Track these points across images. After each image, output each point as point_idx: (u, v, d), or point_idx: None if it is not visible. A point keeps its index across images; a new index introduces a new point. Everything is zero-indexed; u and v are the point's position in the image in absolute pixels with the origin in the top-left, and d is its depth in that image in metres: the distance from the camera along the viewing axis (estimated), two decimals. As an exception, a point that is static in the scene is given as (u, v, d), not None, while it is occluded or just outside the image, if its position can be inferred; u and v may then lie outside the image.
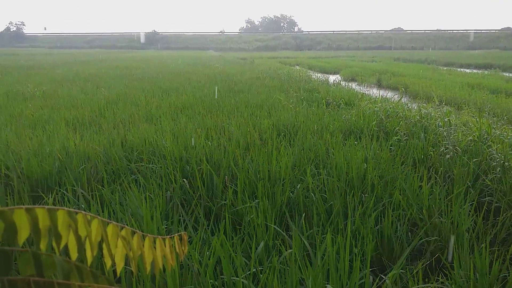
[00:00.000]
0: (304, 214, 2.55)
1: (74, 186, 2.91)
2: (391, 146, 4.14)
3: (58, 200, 2.76)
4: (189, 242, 2.26)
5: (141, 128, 4.56)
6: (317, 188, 2.96)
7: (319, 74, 15.36)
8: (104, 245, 0.49)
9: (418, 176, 3.04)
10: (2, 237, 0.43)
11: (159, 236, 0.55)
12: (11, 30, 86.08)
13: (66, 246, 0.47)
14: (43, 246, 0.45)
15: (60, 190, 2.93)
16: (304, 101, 7.12)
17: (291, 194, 2.90)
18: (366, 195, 2.85)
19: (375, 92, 9.43)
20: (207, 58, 28.13)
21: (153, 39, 77.76)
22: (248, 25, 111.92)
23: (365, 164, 3.29)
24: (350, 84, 11.34)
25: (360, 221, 2.41)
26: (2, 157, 3.42)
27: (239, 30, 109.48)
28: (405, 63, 23.30)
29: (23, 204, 2.67)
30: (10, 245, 0.43)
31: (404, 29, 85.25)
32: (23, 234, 0.44)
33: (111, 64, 19.06)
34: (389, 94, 9.04)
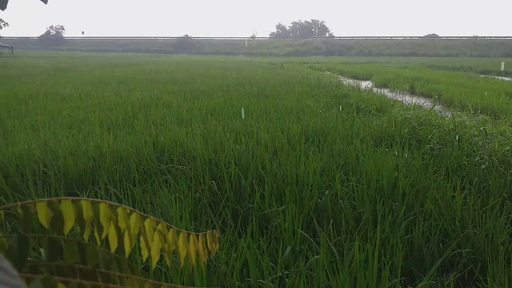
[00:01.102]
0: (332, 221, 2.52)
1: (107, 185, 3.00)
2: (423, 154, 4.04)
3: (92, 198, 2.86)
4: (216, 243, 2.29)
5: (172, 130, 4.65)
6: (346, 195, 2.93)
7: (350, 80, 15.19)
8: (141, 238, 0.52)
9: (451, 185, 2.96)
10: (50, 225, 0.45)
11: (193, 232, 0.57)
12: (51, 34, 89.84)
13: (106, 238, 0.50)
14: (86, 236, 0.48)
15: (93, 188, 3.03)
16: (334, 106, 7.07)
17: (319, 200, 2.88)
18: (396, 203, 2.79)
19: (407, 99, 9.23)
20: (237, 62, 28.36)
21: (185, 43, 79.22)
22: (279, 30, 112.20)
23: (396, 172, 3.22)
24: (381, 91, 11.16)
25: (390, 229, 2.37)
26: (41, 155, 3.57)
27: (270, 35, 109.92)
28: (439, 70, 22.69)
29: (59, 201, 2.78)
30: (57, 234, 0.45)
31: (439, 35, 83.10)
32: (69, 223, 0.47)
33: (144, 68, 19.55)
34: (422, 101, 8.82)
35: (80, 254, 0.44)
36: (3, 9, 1.20)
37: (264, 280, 1.86)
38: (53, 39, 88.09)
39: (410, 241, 2.36)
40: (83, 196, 2.78)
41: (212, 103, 7.00)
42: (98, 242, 0.49)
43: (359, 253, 1.92)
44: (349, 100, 8.00)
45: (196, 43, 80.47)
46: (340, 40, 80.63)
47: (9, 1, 1.19)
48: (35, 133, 4.57)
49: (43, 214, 0.47)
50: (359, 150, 3.91)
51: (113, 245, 0.50)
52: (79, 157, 3.51)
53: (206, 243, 0.60)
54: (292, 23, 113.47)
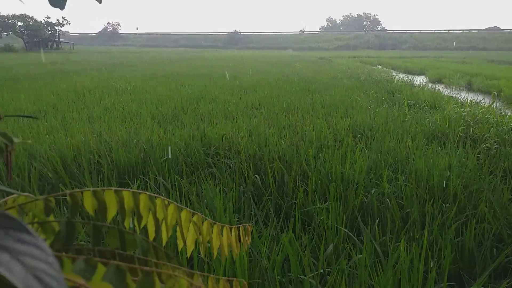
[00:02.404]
0: (377, 220, 2.46)
1: (156, 176, 3.12)
2: (478, 154, 3.83)
3: (142, 188, 2.98)
4: (258, 237, 2.31)
5: (219, 124, 4.74)
6: (394, 194, 2.84)
7: (402, 75, 14.64)
8: (178, 228, 0.54)
9: (508, 188, 2.78)
10: (95, 213, 0.49)
11: (226, 225, 0.59)
12: (108, 30, 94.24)
13: (145, 226, 0.52)
14: (126, 224, 0.51)
15: (143, 179, 3.16)
16: (384, 102, 6.86)
17: (364, 198, 2.82)
18: (447, 204, 2.67)
19: (463, 95, 8.75)
20: (286, 57, 28.26)
21: (235, 38, 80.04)
22: (329, 24, 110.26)
23: (448, 172, 3.08)
24: (436, 86, 10.66)
25: (439, 231, 2.27)
26: (96, 146, 3.78)
27: (319, 29, 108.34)
28: (500, 65, 21.24)
29: (112, 189, 2.93)
30: (101, 221, 0.49)
31: (501, 28, 77.75)
32: (111, 212, 0.50)
33: (195, 63, 20.01)
34: (479, 98, 8.33)
35: (120, 241, 0.47)
36: (62, 9, 1.28)
37: (305, 276, 1.86)
38: (109, 35, 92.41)
39: (461, 244, 2.25)
40: (133, 185, 2.91)
41: (258, 98, 7.04)
42: (138, 231, 0.52)
43: (405, 254, 1.87)
44: (401, 95, 7.72)
45: (245, 38, 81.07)
46: (393, 33, 77.78)
47: (68, 1, 1.26)
48: (91, 125, 4.84)
49: (89, 202, 0.50)
50: (410, 148, 3.77)
51: (151, 234, 0.52)
52: (131, 148, 3.67)
53: (239, 236, 0.62)
54: (343, 17, 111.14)
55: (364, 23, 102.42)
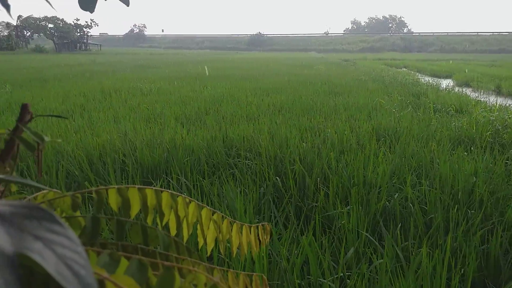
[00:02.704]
0: (400, 225, 2.43)
1: (178, 175, 3.17)
2: (507, 160, 3.71)
3: (164, 187, 3.03)
4: (278, 239, 2.32)
5: (241, 126, 4.76)
6: (417, 199, 2.79)
7: (429, 78, 14.34)
8: (198, 226, 0.55)
9: (538, 195, 2.69)
10: (119, 209, 0.51)
11: (246, 224, 0.60)
12: (134, 31, 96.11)
13: (167, 224, 0.54)
14: (149, 221, 0.53)
15: (166, 178, 3.22)
16: (409, 105, 6.74)
17: (387, 202, 2.78)
18: (472, 211, 2.61)
19: (492, 99, 8.50)
20: (309, 59, 28.13)
21: (258, 40, 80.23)
22: (354, 26, 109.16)
23: (474, 178, 3.00)
24: (463, 90, 10.40)
25: (463, 238, 2.22)
26: (121, 145, 3.87)
27: (344, 31, 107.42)
28: (534, 68, 20.50)
29: (135, 188, 3.00)
30: (124, 217, 0.50)
31: (535, 29, 75.01)
32: (135, 209, 0.52)
33: (218, 65, 20.17)
34: (509, 102, 8.07)
35: (143, 236, 0.49)
36: (91, 12, 1.32)
37: (324, 279, 1.85)
38: (136, 37, 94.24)
39: (486, 252, 2.19)
40: (156, 185, 2.97)
41: (281, 100, 7.04)
42: (160, 228, 0.53)
43: (428, 260, 1.83)
44: (426, 99, 7.57)
45: (268, 40, 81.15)
46: (419, 36, 76.28)
47: (96, 4, 1.31)
48: (117, 125, 4.95)
49: (113, 199, 0.52)
50: (435, 153, 3.70)
51: (173, 231, 0.54)
52: (155, 148, 3.74)
53: (258, 235, 0.63)
54: (368, 19, 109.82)
55: (390, 25, 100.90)
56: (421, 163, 3.48)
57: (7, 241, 0.18)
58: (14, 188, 0.53)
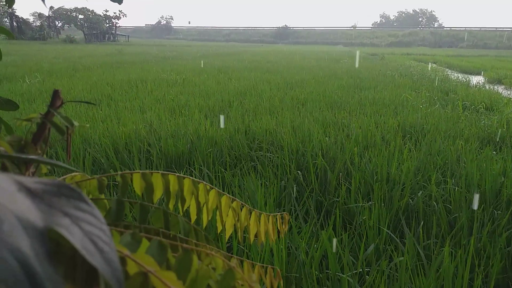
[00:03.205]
0: (422, 223, 2.39)
1: (201, 166, 3.21)
2: (539, 160, 3.58)
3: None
4: (298, 232, 2.32)
5: (263, 119, 4.77)
6: (441, 197, 2.74)
7: (459, 74, 13.93)
8: (217, 213, 0.57)
9: None
10: (142, 193, 0.53)
11: (264, 213, 0.61)
12: (162, 23, 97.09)
13: (187, 210, 0.56)
14: (171, 205, 0.54)
15: (189, 168, 3.26)
16: (437, 102, 6.58)
17: (410, 200, 2.74)
18: (499, 212, 2.54)
19: (526, 97, 8.19)
20: (335, 53, 27.78)
21: (284, 33, 79.68)
22: (382, 19, 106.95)
23: (503, 178, 2.92)
24: (495, 87, 10.05)
25: (488, 239, 2.17)
26: (146, 135, 3.94)
27: (372, 24, 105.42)
28: None
29: (159, 177, 3.07)
30: (147, 201, 0.52)
31: None
32: (157, 193, 0.53)
33: (243, 57, 20.17)
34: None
35: (164, 221, 0.50)
36: (120, 3, 1.35)
37: (343, 274, 1.85)
38: (163, 28, 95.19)
39: (511, 254, 2.13)
40: (180, 174, 3.02)
41: (305, 94, 7.00)
42: (181, 213, 0.55)
43: (450, 259, 1.80)
44: (455, 95, 7.37)
45: (294, 33, 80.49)
46: (450, 30, 73.98)
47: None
48: (142, 115, 5.04)
49: (137, 183, 0.54)
50: (461, 151, 3.61)
51: (193, 217, 0.55)
52: (179, 139, 3.79)
53: (277, 224, 0.63)
54: (397, 12, 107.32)
55: (420, 19, 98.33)
56: (447, 161, 3.40)
57: (38, 216, 0.19)
58: (44, 170, 0.56)
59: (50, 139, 0.54)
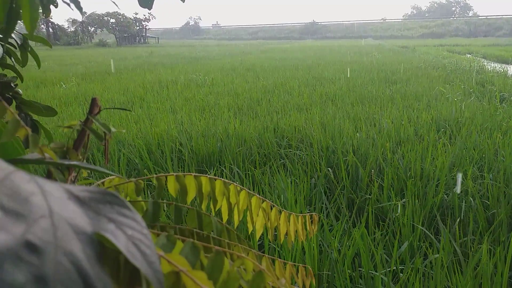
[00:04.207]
0: (458, 219, 2.33)
1: (231, 165, 3.25)
2: None
3: (218, 176, 3.12)
4: (329, 230, 2.31)
5: (292, 116, 4.76)
6: (478, 193, 2.65)
7: (496, 64, 13.37)
8: (248, 213, 0.58)
9: None
10: (177, 195, 0.55)
11: (293, 213, 0.62)
12: (190, 24, 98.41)
13: (219, 210, 0.58)
14: (203, 206, 0.56)
15: (219, 167, 3.31)
16: (472, 94, 6.35)
17: (445, 196, 2.67)
18: (541, 207, 2.43)
19: None
20: (365, 46, 27.27)
21: (312, 29, 78.99)
22: (413, 11, 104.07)
23: (545, 172, 2.79)
24: (535, 77, 9.57)
25: (529, 236, 2.08)
26: (177, 135, 4.02)
27: (403, 16, 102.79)
28: None
29: (191, 176, 3.13)
30: (181, 202, 0.54)
31: None
32: (191, 195, 0.56)
33: (271, 55, 20.16)
34: None
35: (198, 221, 0.53)
36: (150, 9, 1.39)
37: (376, 272, 1.83)
38: (191, 29, 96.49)
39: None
40: (210, 173, 3.07)
41: (334, 89, 6.92)
42: (213, 213, 0.57)
43: (488, 257, 1.75)
44: (493, 87, 7.09)
45: (322, 28, 79.59)
46: (486, 19, 70.98)
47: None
48: (174, 115, 5.15)
49: (172, 185, 0.57)
50: (499, 144, 3.48)
51: (225, 217, 0.57)
52: (209, 138, 3.85)
53: (306, 224, 0.64)
54: (429, 3, 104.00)
55: (453, 8, 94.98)
56: (483, 155, 3.29)
57: (87, 222, 0.21)
58: (84, 173, 0.59)
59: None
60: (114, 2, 0.73)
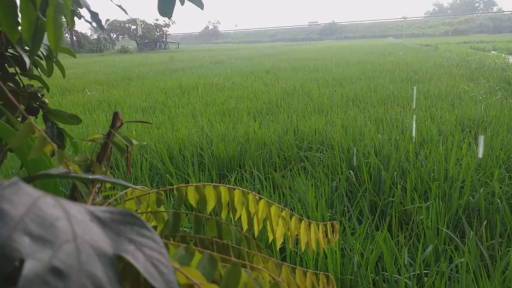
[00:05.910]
0: (485, 222, 2.27)
1: (251, 168, 3.26)
2: None
3: (238, 179, 3.14)
4: (352, 233, 2.29)
5: (312, 118, 4.74)
6: (505, 194, 2.58)
7: (522, 61, 12.95)
8: (267, 222, 0.59)
9: None
10: (196, 205, 0.56)
11: (314, 222, 0.62)
12: (209, 28, 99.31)
13: (239, 219, 0.58)
14: (223, 215, 0.57)
15: (240, 171, 3.32)
16: (498, 92, 6.18)
17: (471, 198, 2.60)
18: None
19: None
20: (385, 46, 26.89)
21: (331, 29, 78.48)
22: (435, 8, 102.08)
23: None
24: None
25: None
26: (198, 139, 4.07)
27: (424, 14, 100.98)
28: None
29: (212, 180, 3.15)
30: (201, 212, 0.55)
31: None
32: (210, 204, 0.57)
33: (290, 57, 20.12)
34: None
35: (217, 231, 0.53)
36: (169, 17, 1.42)
37: (400, 276, 1.80)
38: (211, 33, 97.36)
39: None
40: (231, 177, 3.08)
41: (354, 90, 6.85)
42: (233, 222, 0.58)
43: (516, 261, 1.69)
44: (519, 84, 6.88)
45: (342, 28, 78.96)
46: (511, 14, 68.91)
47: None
48: (194, 120, 5.20)
49: (192, 195, 0.58)
50: (527, 144, 3.37)
51: (244, 226, 0.58)
52: (229, 142, 3.87)
53: (327, 232, 0.64)
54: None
55: (476, 4, 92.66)
56: (511, 156, 3.19)
57: (108, 244, 0.22)
58: (108, 184, 0.61)
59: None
60: (123, 9, 0.75)
